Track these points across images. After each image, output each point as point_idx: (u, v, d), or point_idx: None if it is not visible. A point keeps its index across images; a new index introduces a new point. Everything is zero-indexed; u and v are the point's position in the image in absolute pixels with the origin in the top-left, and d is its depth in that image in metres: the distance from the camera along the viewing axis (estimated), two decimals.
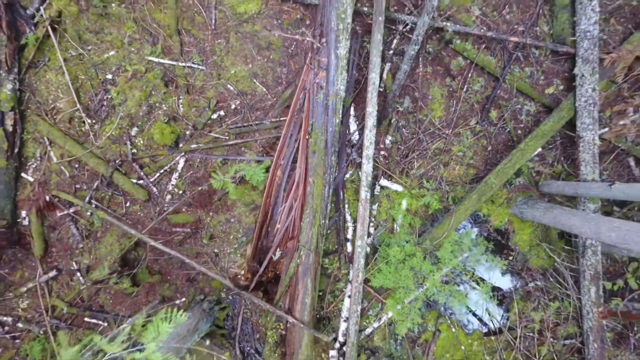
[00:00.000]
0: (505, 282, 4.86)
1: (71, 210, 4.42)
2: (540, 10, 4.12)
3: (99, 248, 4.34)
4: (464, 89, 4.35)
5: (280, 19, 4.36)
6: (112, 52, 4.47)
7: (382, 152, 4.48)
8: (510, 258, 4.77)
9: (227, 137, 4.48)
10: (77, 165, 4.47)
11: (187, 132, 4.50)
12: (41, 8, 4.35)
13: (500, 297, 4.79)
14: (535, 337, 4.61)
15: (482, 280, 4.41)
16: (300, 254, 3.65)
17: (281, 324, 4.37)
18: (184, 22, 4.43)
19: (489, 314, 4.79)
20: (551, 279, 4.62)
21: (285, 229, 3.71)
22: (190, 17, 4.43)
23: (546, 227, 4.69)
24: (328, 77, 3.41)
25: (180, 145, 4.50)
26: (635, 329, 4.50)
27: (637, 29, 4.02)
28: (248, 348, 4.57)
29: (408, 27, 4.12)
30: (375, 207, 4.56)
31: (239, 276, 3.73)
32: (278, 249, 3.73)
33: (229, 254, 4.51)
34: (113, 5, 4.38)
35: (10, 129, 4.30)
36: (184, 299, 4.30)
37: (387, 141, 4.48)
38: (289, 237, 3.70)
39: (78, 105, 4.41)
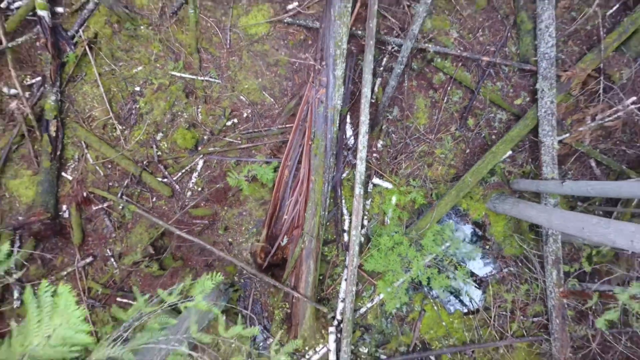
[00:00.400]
0: (484, 269, 5.61)
1: (105, 204, 5.17)
2: (509, 34, 4.88)
3: (129, 237, 5.09)
4: (445, 100, 5.11)
5: (286, 40, 5.12)
6: (140, 68, 5.22)
7: (374, 155, 5.24)
8: (487, 247, 5.52)
9: (240, 142, 5.23)
10: (109, 166, 5.22)
11: (205, 137, 5.25)
12: (80, 30, 5.11)
13: (479, 282, 5.54)
14: (507, 315, 5.36)
15: (460, 265, 5.16)
16: (304, 240, 4.40)
17: (287, 303, 5.12)
18: (202, 42, 5.19)
19: (469, 296, 5.54)
20: (522, 265, 5.38)
21: (291, 219, 4.46)
22: (208, 37, 5.19)
23: (517, 220, 5.44)
24: (327, 94, 4.17)
25: (199, 148, 5.25)
26: (594, 307, 5.25)
27: (590, 50, 4.78)
28: (258, 325, 5.31)
29: (395, 48, 4.89)
30: (368, 202, 5.31)
31: (256, 251, 4.47)
32: (285, 236, 4.49)
33: (241, 243, 5.26)
34: (142, 27, 5.14)
35: (54, 134, 5.05)
36: None
37: (379, 145, 5.23)
38: (294, 226, 4.45)
39: (110, 114, 5.17)
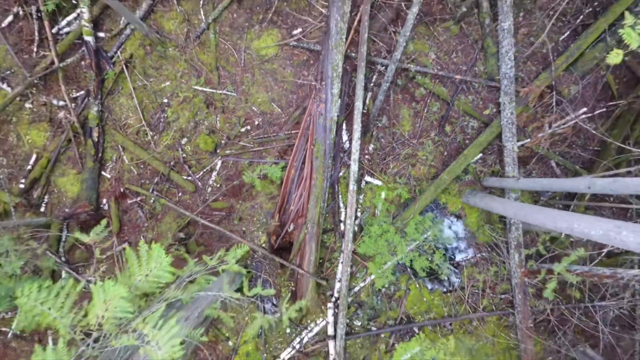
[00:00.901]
0: (460, 255, 6.65)
1: (138, 198, 6.21)
2: (477, 56, 5.93)
3: (160, 226, 6.14)
4: (425, 110, 6.16)
5: (292, 60, 6.17)
6: (167, 83, 6.27)
7: (366, 156, 6.28)
8: (462, 236, 6.57)
9: (252, 145, 6.28)
10: (142, 166, 6.27)
11: (223, 142, 6.30)
12: (118, 51, 6.16)
13: (455, 265, 6.58)
14: (479, 293, 6.41)
15: (438, 249, 6.20)
16: (307, 227, 5.44)
17: (292, 282, 6.16)
18: (221, 61, 6.24)
19: (447, 278, 6.58)
20: (491, 250, 6.42)
21: (296, 210, 5.51)
22: (225, 57, 6.24)
23: (488, 212, 6.48)
24: (326, 108, 5.21)
25: (218, 151, 6.30)
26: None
27: (544, 70, 5.83)
28: (267, 302, 6.35)
29: (383, 67, 5.94)
30: (361, 197, 6.36)
31: (271, 231, 5.52)
32: (292, 223, 5.53)
33: (252, 231, 6.30)
34: (170, 49, 6.19)
35: (96, 139, 6.10)
36: None
37: (370, 148, 6.28)
38: (299, 216, 5.49)
39: (143, 122, 6.22)
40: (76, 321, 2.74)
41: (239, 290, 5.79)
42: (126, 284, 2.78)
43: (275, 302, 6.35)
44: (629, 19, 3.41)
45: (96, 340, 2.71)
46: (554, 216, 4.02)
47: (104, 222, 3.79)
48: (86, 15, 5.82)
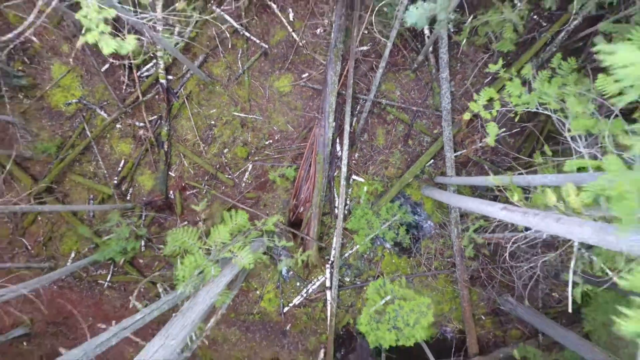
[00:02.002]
0: (419, 231, 9.66)
1: (194, 191, 9.25)
2: (428, 94, 8.99)
3: (210, 210, 9.17)
4: (394, 130, 9.20)
5: (301, 95, 9.22)
6: (214, 110, 9.31)
7: (353, 162, 9.32)
8: (421, 217, 9.60)
9: (273, 154, 9.31)
10: (197, 168, 9.31)
11: (253, 151, 9.33)
12: (181, 88, 9.21)
13: (416, 238, 9.60)
14: (432, 257, 9.43)
15: (402, 225, 9.23)
16: (312, 209, 8.48)
17: (302, 248, 9.18)
18: (252, 95, 9.29)
19: (410, 247, 9.59)
20: (441, 227, 9.45)
21: (305, 197, 8.54)
22: (255, 93, 9.28)
23: (439, 200, 9.51)
24: (325, 131, 8.25)
25: (249, 157, 9.33)
26: (489, 250, 9.30)
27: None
28: (286, 256, 9.36)
29: (364, 100, 9.00)
30: (349, 190, 9.39)
31: (291, 208, 8.58)
32: (302, 207, 8.57)
33: (274, 214, 9.32)
34: (217, 87, 9.24)
35: (165, 149, 9.14)
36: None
37: (356, 156, 9.32)
38: (307, 201, 8.53)
39: (197, 137, 9.26)
40: (199, 245, 5.79)
41: (267, 252, 8.83)
42: (226, 228, 5.81)
43: (292, 255, 9.39)
44: (512, 85, 6.42)
45: (210, 253, 5.76)
46: (464, 201, 7.05)
47: (204, 202, 6.81)
48: (161, 65, 8.86)
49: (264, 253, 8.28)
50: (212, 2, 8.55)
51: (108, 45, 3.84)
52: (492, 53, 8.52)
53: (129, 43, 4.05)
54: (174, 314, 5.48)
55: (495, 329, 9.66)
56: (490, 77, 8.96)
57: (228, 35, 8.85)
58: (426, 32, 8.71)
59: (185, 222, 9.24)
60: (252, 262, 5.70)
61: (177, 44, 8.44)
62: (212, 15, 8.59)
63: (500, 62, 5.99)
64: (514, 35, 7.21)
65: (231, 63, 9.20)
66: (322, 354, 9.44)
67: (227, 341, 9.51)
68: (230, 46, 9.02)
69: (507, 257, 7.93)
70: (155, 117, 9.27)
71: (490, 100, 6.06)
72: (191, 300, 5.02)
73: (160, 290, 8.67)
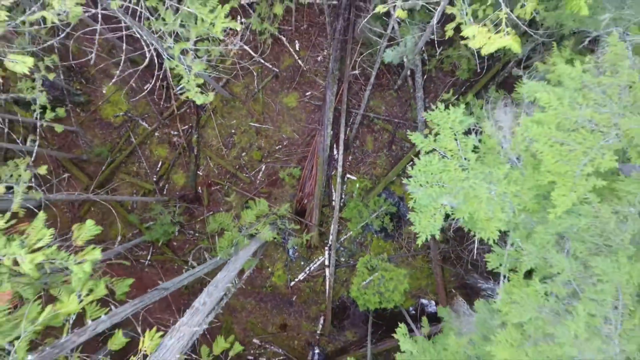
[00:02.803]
0: (402, 219, 12.10)
1: (218, 187, 11.71)
2: (407, 109, 11.44)
3: (232, 202, 11.63)
4: (380, 137, 11.66)
5: (305, 109, 11.67)
6: (234, 121, 11.77)
7: (347, 163, 11.78)
8: (403, 208, 12.04)
9: (282, 157, 11.76)
10: (220, 168, 11.77)
11: (265, 154, 11.79)
12: (208, 104, 11.66)
13: (399, 226, 12.03)
14: (412, 241, 11.87)
15: (386, 215, 11.67)
16: (314, 201, 10.94)
17: (304, 234, 11.63)
18: (265, 109, 11.74)
19: (394, 233, 12.02)
20: None
21: (308, 192, 11.00)
22: (267, 107, 11.74)
23: None
24: (324, 139, 10.71)
25: (263, 160, 11.79)
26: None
27: None
28: (290, 249, 11.82)
29: (356, 114, 11.46)
30: (344, 186, 11.84)
31: (297, 200, 11.03)
32: (306, 199, 11.03)
33: (279, 208, 11.76)
34: (236, 102, 11.69)
35: (195, 153, 11.60)
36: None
37: (349, 159, 11.78)
38: (310, 195, 10.99)
39: (220, 143, 11.71)
40: (234, 224, 8.24)
41: (279, 233, 11.28)
42: (252, 212, 8.25)
43: (298, 237, 11.84)
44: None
45: (241, 230, 8.22)
46: None
47: (233, 195, 9.27)
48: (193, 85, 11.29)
49: (277, 234, 10.73)
50: (235, 38, 11.00)
51: (199, 99, 6.31)
52: (457, 78, 10.97)
53: (209, 95, 6.52)
54: (210, 281, 7.92)
55: (464, 299, 12.08)
56: (457, 95, 11.41)
57: (247, 63, 11.31)
58: (405, 60, 11.17)
59: (211, 212, 11.69)
60: (270, 237, 8.15)
61: (206, 69, 10.86)
62: (236, 49, 11.04)
63: (452, 92, 8.44)
64: (468, 66, 9.65)
65: (248, 83, 11.65)
66: (322, 320, 11.88)
67: (244, 309, 11.96)
68: (248, 70, 11.48)
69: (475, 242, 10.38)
70: (187, 126, 11.73)
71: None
72: (233, 258, 7.46)
73: (190, 264, 11.12)
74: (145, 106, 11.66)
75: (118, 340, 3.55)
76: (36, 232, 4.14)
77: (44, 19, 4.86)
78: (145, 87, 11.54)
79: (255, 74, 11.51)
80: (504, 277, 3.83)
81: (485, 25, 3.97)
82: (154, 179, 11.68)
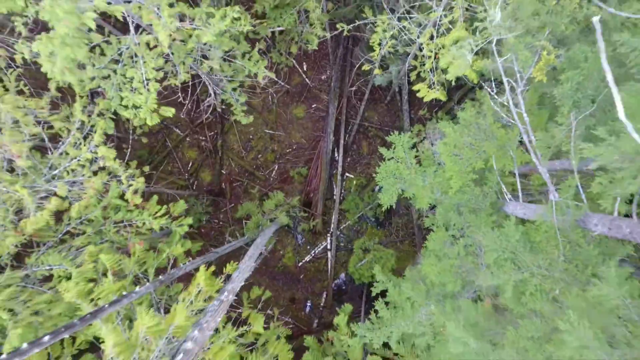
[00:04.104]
0: (393, 211, 15.12)
1: (239, 183, 14.75)
2: (397, 119, 14.47)
3: (250, 195, 14.66)
4: (374, 142, 14.69)
5: (311, 119, 14.72)
6: (252, 128, 14.82)
7: (346, 164, 14.81)
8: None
9: (292, 158, 14.80)
10: (240, 168, 14.82)
11: (278, 156, 14.83)
12: (230, 117, 14.70)
13: (390, 216, 15.05)
14: (400, 229, 14.89)
15: (379, 206, 14.71)
16: (319, 195, 13.97)
17: (309, 223, 14.66)
18: (278, 118, 14.79)
19: (385, 222, 15.04)
20: (407, 209, 14.91)
21: (314, 187, 14.03)
22: (280, 117, 14.79)
23: None
24: (327, 144, 13.73)
25: (276, 161, 14.83)
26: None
27: (425, 125, 14.37)
28: (299, 235, 14.86)
29: (353, 123, 14.50)
30: (343, 183, 14.87)
31: (305, 193, 14.07)
32: (312, 193, 14.05)
33: (292, 199, 14.79)
34: (254, 113, 14.73)
35: (219, 155, 14.64)
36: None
37: (348, 160, 14.82)
38: (315, 189, 14.01)
39: (240, 146, 14.76)
40: (258, 211, 11.27)
41: (287, 225, 14.34)
42: (272, 202, 11.26)
43: (302, 234, 14.88)
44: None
45: (264, 215, 11.26)
46: None
47: (256, 189, 12.33)
48: (218, 99, 14.35)
49: (290, 220, 13.79)
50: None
51: (243, 120, 9.34)
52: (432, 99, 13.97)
53: (250, 118, 9.55)
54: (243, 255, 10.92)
55: None
56: (436, 108, 14.44)
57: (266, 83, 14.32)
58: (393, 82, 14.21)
59: (233, 204, 14.72)
60: (286, 221, 11.15)
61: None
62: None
63: (427, 109, 11.44)
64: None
65: (264, 97, 14.69)
66: (324, 295, 14.91)
67: (260, 285, 14.98)
68: (264, 87, 14.50)
69: None
70: (213, 133, 14.76)
71: (419, 131, 11.53)
72: (261, 234, 10.44)
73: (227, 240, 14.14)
74: (178, 116, 14.68)
75: (203, 274, 6.40)
76: (152, 207, 7.11)
77: None
78: (178, 101, 14.60)
79: (271, 91, 14.54)
80: (433, 230, 6.80)
81: (425, 82, 6.90)
82: (186, 176, 14.71)
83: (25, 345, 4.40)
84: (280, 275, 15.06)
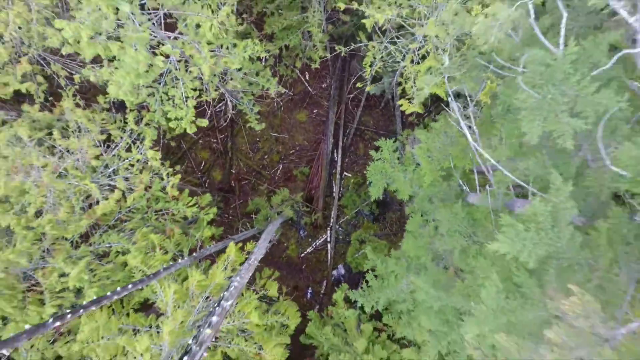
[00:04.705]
0: (387, 207, 16.99)
1: (247, 181, 16.64)
2: (390, 122, 16.36)
3: (258, 192, 16.54)
4: (369, 144, 16.58)
5: (313, 123, 16.61)
6: (259, 131, 16.69)
7: (344, 164, 16.70)
8: (387, 198, 16.96)
9: (295, 159, 16.68)
10: (248, 167, 16.70)
11: (282, 157, 16.71)
12: (239, 119, 16.59)
13: (384, 212, 16.92)
14: (394, 223, 16.76)
15: (374, 202, 16.60)
16: (319, 192, 15.84)
17: (311, 217, 16.53)
18: (283, 122, 16.68)
19: (381, 217, 16.92)
20: (399, 205, 16.79)
21: (315, 185, 15.90)
22: (285, 121, 16.68)
23: None
24: (327, 146, 15.60)
25: (280, 161, 16.71)
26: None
27: (413, 129, 16.26)
28: (301, 229, 16.74)
29: (350, 127, 16.40)
30: (342, 181, 16.76)
31: (307, 191, 15.96)
32: (313, 190, 15.93)
33: (296, 196, 16.67)
34: (261, 118, 16.62)
35: (229, 156, 16.53)
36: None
37: (346, 160, 16.71)
38: (316, 187, 15.89)
39: (248, 148, 16.66)
40: (266, 205, 13.15)
41: (291, 219, 16.22)
42: (279, 197, 13.13)
43: (304, 227, 16.76)
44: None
45: (272, 209, 13.14)
46: None
47: (264, 186, 14.22)
48: (230, 105, 16.23)
49: (294, 213, 15.66)
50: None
51: (257, 126, 11.18)
52: None
53: (263, 124, 11.37)
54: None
55: None
56: (424, 115, 16.32)
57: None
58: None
59: (241, 200, 16.58)
60: (291, 214, 13.01)
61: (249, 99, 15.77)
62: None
63: (415, 115, 13.31)
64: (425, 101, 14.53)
65: (271, 103, 16.56)
66: (324, 283, 16.78)
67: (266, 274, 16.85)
68: (271, 95, 16.38)
69: None
70: (223, 136, 16.64)
71: (408, 135, 13.42)
72: (270, 224, 12.28)
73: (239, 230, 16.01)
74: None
75: (232, 249, 8.16)
76: (185, 199, 8.96)
77: None
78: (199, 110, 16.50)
79: (276, 97, 16.43)
80: (411, 217, 8.68)
81: (406, 98, 8.77)
82: (199, 175, 16.58)
83: (94, 297, 6.25)
84: (285, 266, 16.91)
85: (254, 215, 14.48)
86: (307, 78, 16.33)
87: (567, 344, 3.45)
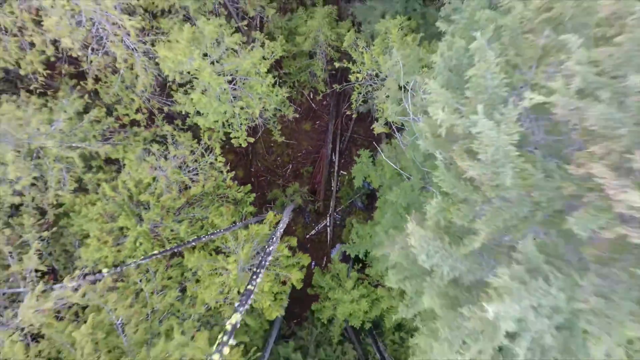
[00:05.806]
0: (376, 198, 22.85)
1: (264, 178, 22.50)
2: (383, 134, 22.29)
3: (275, 185, 22.40)
4: (362, 149, 22.48)
5: (316, 132, 22.48)
6: (273, 139, 22.57)
7: (341, 164, 22.57)
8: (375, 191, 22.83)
9: (302, 160, 22.54)
10: (265, 167, 22.57)
11: (292, 159, 22.57)
12: (260, 133, 22.46)
13: (374, 202, 22.76)
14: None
15: (365, 195, 22.47)
16: (321, 186, 21.69)
17: (315, 205, 22.37)
18: (292, 132, 22.55)
19: (372, 206, 22.77)
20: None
21: (318, 180, 21.74)
22: (292, 130, 22.53)
23: None
24: (327, 150, 21.43)
25: (290, 162, 22.58)
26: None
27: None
28: (306, 216, 22.59)
29: (346, 136, 22.30)
30: (339, 178, 22.61)
31: (312, 184, 21.82)
32: (316, 185, 21.77)
33: (303, 189, 22.51)
34: (280, 139, 22.50)
35: (250, 158, 22.39)
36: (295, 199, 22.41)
37: (342, 161, 22.59)
38: (319, 182, 21.73)
39: (265, 152, 22.52)
40: (282, 195, 19.03)
41: (299, 206, 22.08)
42: (291, 189, 18.94)
43: (308, 215, 22.62)
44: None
45: (286, 197, 19.01)
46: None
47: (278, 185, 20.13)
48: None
49: (302, 202, 21.44)
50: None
51: (279, 138, 16.91)
52: None
53: (282, 137, 17.16)
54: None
55: None
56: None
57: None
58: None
59: (259, 193, 22.41)
60: (300, 202, 18.83)
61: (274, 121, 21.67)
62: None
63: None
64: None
65: (286, 121, 22.38)
66: (324, 259, 22.63)
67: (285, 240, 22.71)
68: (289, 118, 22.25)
69: None
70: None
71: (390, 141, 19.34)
72: (286, 209, 18.02)
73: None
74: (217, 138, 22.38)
75: (271, 215, 13.73)
76: (234, 187, 14.74)
77: None
78: None
79: (287, 114, 22.31)
80: (379, 197, 14.49)
81: (379, 122, 14.55)
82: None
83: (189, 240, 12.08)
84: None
85: (272, 203, 20.29)
86: (312, 97, 22.17)
87: None
